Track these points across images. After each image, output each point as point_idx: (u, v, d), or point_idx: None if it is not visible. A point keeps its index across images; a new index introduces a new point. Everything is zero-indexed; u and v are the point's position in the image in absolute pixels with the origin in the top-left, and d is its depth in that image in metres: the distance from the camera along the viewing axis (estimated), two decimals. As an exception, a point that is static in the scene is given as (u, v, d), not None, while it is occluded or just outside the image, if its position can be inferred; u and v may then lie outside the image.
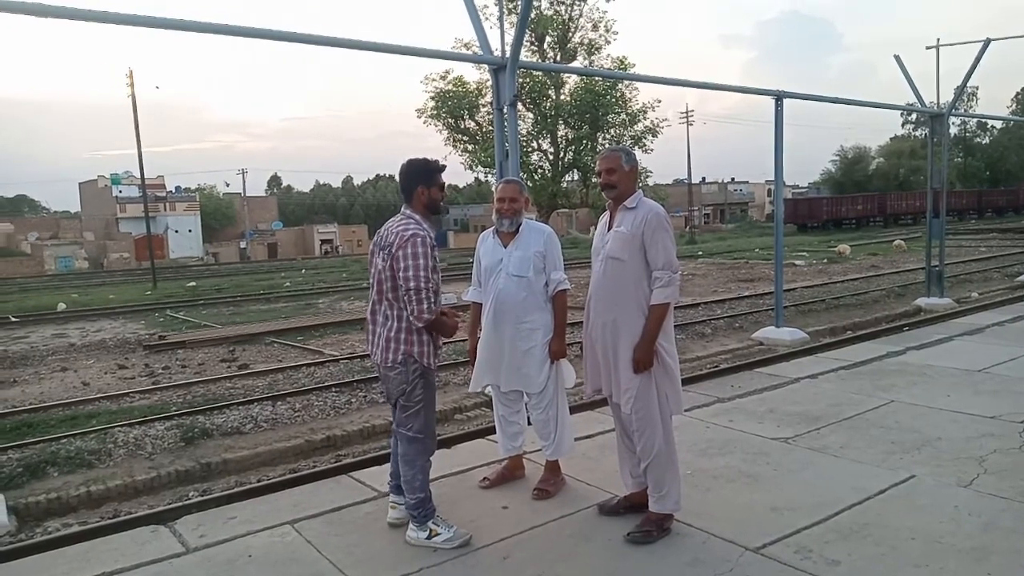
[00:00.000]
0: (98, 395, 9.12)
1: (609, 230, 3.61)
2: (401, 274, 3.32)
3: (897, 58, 12.02)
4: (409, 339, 3.42)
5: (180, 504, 5.46)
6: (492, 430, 4.49)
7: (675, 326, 3.70)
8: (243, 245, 60.42)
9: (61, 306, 20.54)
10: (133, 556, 3.53)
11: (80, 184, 67.72)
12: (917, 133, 66.25)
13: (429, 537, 3.41)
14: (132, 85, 31.16)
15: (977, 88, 63.60)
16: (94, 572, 3.37)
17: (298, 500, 4.21)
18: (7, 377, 10.85)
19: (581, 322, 3.81)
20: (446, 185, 3.70)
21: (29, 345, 13.95)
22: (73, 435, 7.18)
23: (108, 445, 6.94)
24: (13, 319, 17.98)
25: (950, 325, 9.38)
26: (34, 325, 17.27)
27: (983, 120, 64.37)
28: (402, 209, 3.53)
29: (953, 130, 61.96)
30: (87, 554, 3.63)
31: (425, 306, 3.31)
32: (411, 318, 3.37)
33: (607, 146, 21.90)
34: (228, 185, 76.93)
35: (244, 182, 69.37)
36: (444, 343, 3.90)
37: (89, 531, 4.83)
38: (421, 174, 3.49)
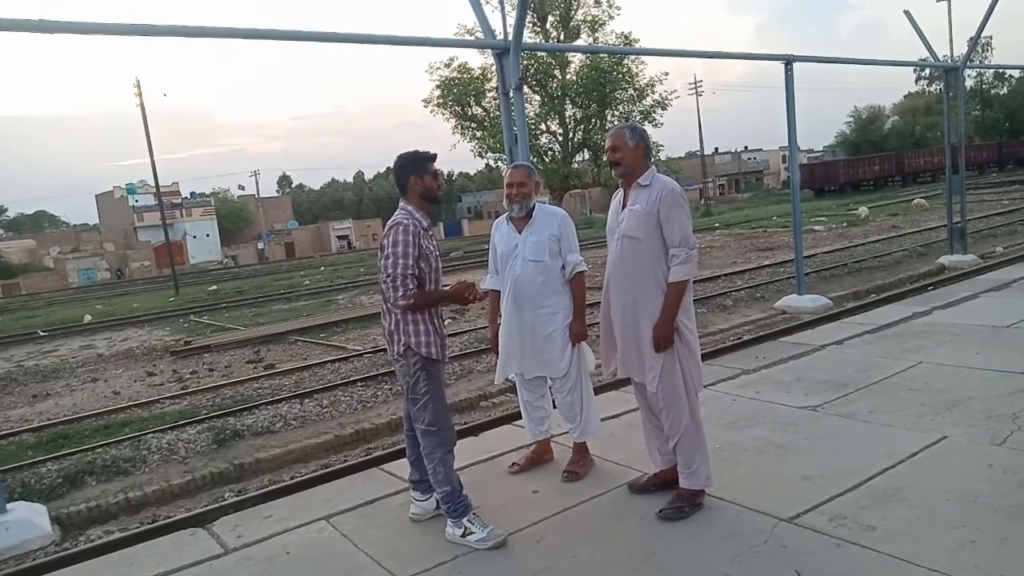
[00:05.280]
0: (129, 403, 9.27)
1: (623, 209, 3.57)
2: (380, 263, 3.37)
3: (907, 13, 11.77)
4: (407, 331, 3.40)
5: (216, 506, 5.55)
6: (518, 416, 4.50)
7: (695, 299, 3.67)
8: (261, 246, 60.98)
9: (87, 318, 20.84)
10: (174, 559, 3.60)
11: (97, 196, 68.61)
12: (932, 89, 64.84)
13: (464, 535, 3.42)
14: (140, 95, 31.44)
15: (992, 37, 62.12)
16: (138, 577, 3.44)
17: (331, 495, 4.26)
18: (40, 391, 11.06)
19: (599, 303, 3.78)
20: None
21: (59, 358, 14.19)
22: (108, 444, 7.32)
23: (142, 452, 7.07)
24: (42, 333, 18.28)
25: (976, 282, 9.24)
26: (62, 338, 17.54)
27: (1000, 70, 62.76)
28: (399, 203, 3.54)
29: (969, 83, 60.51)
30: (130, 559, 3.72)
31: (400, 292, 3.30)
32: (388, 304, 3.39)
33: (616, 123, 21.73)
34: (243, 188, 77.63)
35: (257, 183, 70.13)
36: (450, 334, 3.85)
37: (130, 537, 4.93)
38: (412, 164, 3.49)
